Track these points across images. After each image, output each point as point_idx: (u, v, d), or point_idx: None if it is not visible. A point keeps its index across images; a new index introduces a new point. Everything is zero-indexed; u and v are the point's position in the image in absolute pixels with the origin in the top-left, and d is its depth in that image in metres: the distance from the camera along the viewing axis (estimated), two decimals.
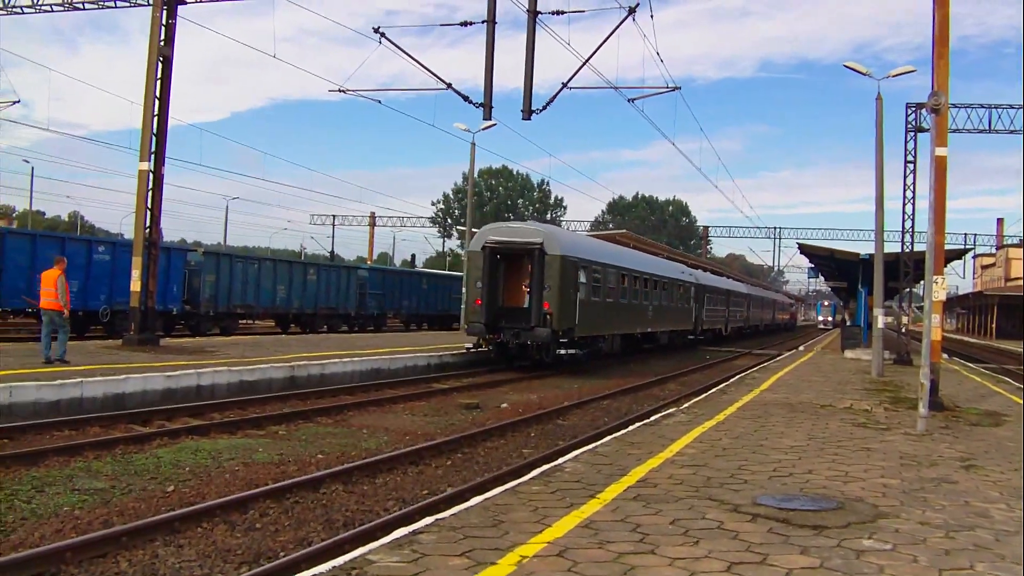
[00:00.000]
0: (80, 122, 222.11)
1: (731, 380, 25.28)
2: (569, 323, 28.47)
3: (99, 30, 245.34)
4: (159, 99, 25.15)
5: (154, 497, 10.34)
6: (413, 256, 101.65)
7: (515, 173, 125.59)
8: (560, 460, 11.26)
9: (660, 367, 33.58)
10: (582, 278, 29.76)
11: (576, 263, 29.29)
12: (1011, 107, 34.74)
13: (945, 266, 23.34)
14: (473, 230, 49.84)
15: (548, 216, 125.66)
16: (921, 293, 26.62)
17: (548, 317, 27.44)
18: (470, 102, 24.16)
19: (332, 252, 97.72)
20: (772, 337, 78.40)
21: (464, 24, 23.99)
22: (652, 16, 26.61)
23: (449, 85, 25.13)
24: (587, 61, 24.54)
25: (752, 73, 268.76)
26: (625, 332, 36.88)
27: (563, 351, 28.71)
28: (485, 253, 28.25)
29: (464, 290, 44.40)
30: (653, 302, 39.84)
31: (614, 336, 35.37)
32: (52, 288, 19.63)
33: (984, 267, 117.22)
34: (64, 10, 26.21)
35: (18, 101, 36.48)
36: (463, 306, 45.09)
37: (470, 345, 29.75)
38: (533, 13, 22.92)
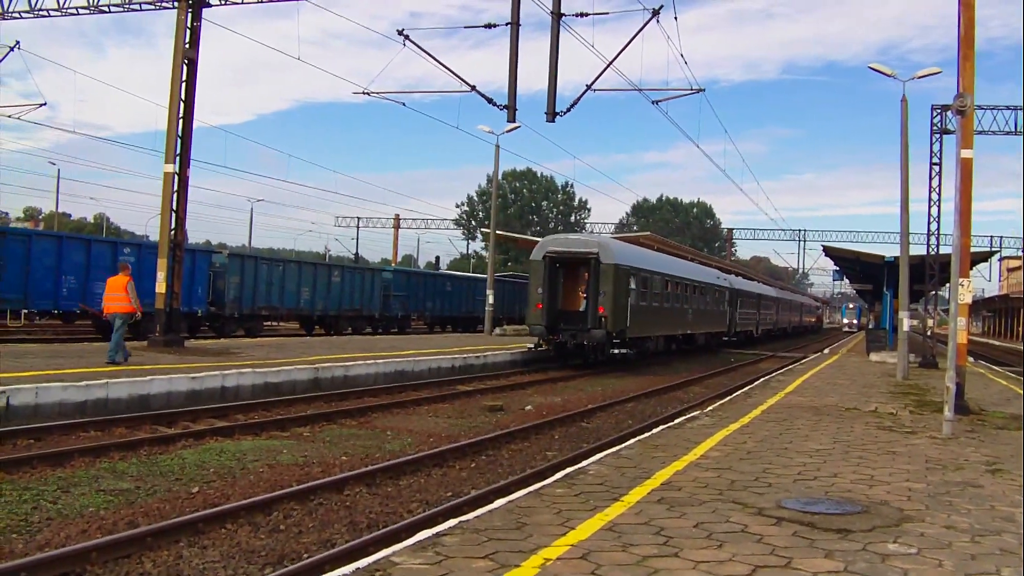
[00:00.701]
0: (105, 124, 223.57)
1: (756, 383, 25.20)
2: (621, 325, 31.32)
3: (124, 33, 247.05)
4: (184, 101, 25.27)
5: (179, 498, 10.39)
6: (437, 258, 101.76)
7: (539, 175, 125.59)
8: (584, 463, 11.25)
9: (684, 370, 33.55)
10: (632, 284, 32.50)
11: (627, 271, 32.04)
12: None
13: (971, 269, 23.18)
14: (498, 232, 50.05)
15: (572, 218, 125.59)
16: (947, 296, 26.48)
17: (603, 320, 30.29)
18: (494, 104, 24.14)
19: (356, 254, 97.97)
20: (798, 339, 79.24)
21: (488, 26, 23.98)
22: (676, 18, 26.59)
23: (473, 87, 25.13)
24: (611, 63, 24.50)
25: (776, 75, 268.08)
26: (668, 334, 39.56)
27: (616, 351, 31.54)
28: (545, 262, 31.06)
29: (484, 292, 45.09)
30: (693, 306, 42.63)
31: (659, 337, 37.92)
32: (122, 292, 20.43)
33: (1010, 270, 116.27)
34: (90, 13, 26.34)
35: (44, 103, 36.63)
36: (487, 308, 45.42)
37: (531, 345, 32.45)
38: (557, 15, 22.90)
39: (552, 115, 23.35)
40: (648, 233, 53.16)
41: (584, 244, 31.91)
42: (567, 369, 30.58)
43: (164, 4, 25.74)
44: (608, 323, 30.27)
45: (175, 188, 25.18)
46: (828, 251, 51.57)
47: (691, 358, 40.56)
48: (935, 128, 33.36)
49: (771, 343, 62.82)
